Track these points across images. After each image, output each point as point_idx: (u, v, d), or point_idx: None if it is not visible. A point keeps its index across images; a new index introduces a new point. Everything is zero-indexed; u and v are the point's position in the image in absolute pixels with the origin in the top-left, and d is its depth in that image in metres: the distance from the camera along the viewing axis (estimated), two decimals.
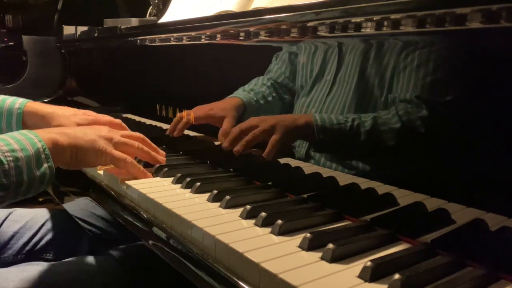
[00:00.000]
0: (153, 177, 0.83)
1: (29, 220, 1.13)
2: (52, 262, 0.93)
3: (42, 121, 0.97)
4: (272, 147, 0.82)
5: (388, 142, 0.67)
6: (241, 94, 0.91)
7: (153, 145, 0.89)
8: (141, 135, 0.88)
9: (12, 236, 1.09)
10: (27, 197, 0.70)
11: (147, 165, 0.87)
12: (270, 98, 0.86)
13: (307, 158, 0.80)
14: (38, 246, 1.11)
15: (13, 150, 0.65)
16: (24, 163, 0.65)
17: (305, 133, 0.80)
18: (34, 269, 0.89)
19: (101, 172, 0.89)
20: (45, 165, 0.69)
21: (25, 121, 0.99)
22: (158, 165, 0.85)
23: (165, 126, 1.19)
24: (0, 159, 0.63)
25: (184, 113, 1.05)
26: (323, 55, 0.76)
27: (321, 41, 0.75)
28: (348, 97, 0.72)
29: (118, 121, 0.99)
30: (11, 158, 0.64)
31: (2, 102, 1.01)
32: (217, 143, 1.00)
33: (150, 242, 0.66)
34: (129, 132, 0.89)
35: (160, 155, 0.88)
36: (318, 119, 0.76)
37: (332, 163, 0.75)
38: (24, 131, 0.71)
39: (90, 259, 0.96)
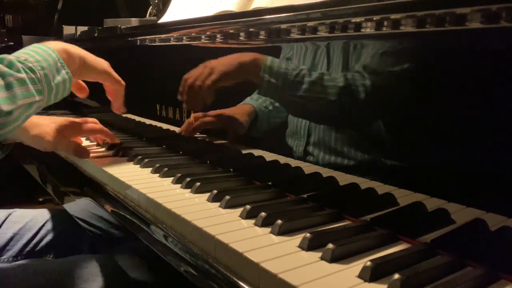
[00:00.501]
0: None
1: (29, 221, 1.13)
2: (52, 262, 0.93)
3: None
4: (210, 83, 0.89)
5: (332, 98, 0.69)
6: (251, 101, 0.90)
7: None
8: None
9: (12, 237, 1.09)
10: (57, 101, 0.81)
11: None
12: (277, 104, 0.85)
13: (305, 155, 0.80)
14: (38, 247, 1.10)
15: (38, 61, 0.74)
16: (49, 70, 0.76)
17: (250, 69, 0.84)
18: (34, 268, 0.89)
19: (100, 172, 0.89)
20: (63, 71, 0.80)
21: None
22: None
23: (165, 126, 1.19)
24: (32, 68, 0.73)
25: (193, 117, 1.05)
26: (312, 55, 0.76)
27: (315, 42, 0.75)
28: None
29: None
30: (39, 67, 0.74)
31: None
32: (217, 142, 1.01)
33: (150, 242, 0.66)
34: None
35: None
36: (269, 59, 0.80)
37: (331, 156, 0.74)
38: (39, 45, 0.80)
39: (91, 259, 0.96)
